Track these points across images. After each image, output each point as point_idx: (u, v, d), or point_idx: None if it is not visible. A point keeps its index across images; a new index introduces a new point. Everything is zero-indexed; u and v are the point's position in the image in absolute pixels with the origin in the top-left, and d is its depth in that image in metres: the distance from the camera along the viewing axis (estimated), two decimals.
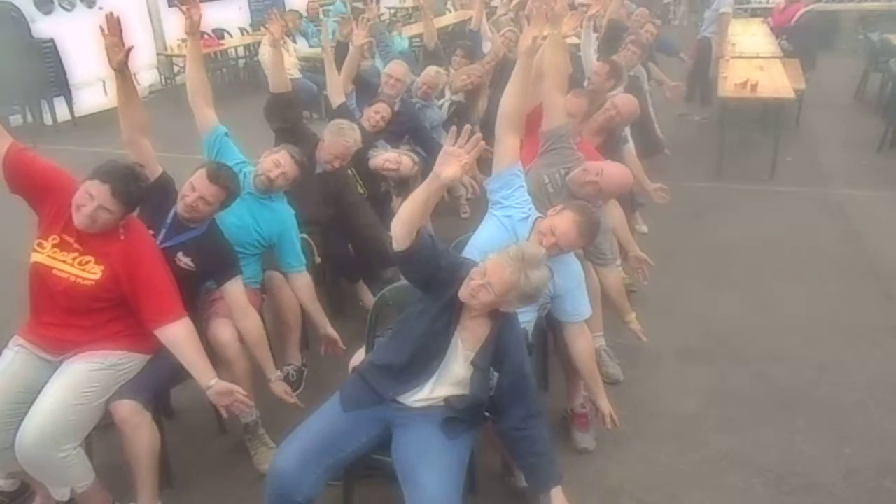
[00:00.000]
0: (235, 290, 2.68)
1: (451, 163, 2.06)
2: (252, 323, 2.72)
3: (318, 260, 3.41)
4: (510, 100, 2.66)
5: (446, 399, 2.21)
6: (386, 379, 2.23)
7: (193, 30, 3.06)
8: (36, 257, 2.30)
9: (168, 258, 2.52)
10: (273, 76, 3.71)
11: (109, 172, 2.25)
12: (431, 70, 4.84)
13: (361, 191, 3.79)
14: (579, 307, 2.68)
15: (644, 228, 4.70)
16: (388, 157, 3.77)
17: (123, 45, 2.48)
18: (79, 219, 2.24)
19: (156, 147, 2.68)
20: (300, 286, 3.09)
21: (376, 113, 4.08)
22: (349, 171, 3.69)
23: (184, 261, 2.59)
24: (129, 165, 2.36)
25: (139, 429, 2.31)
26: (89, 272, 2.28)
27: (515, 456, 2.34)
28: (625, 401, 3.06)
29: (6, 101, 7.54)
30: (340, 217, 3.53)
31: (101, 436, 2.42)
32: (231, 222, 2.84)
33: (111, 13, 2.50)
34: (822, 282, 4.20)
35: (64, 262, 2.28)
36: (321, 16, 9.76)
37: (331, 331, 3.09)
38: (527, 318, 2.56)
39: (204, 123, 3.05)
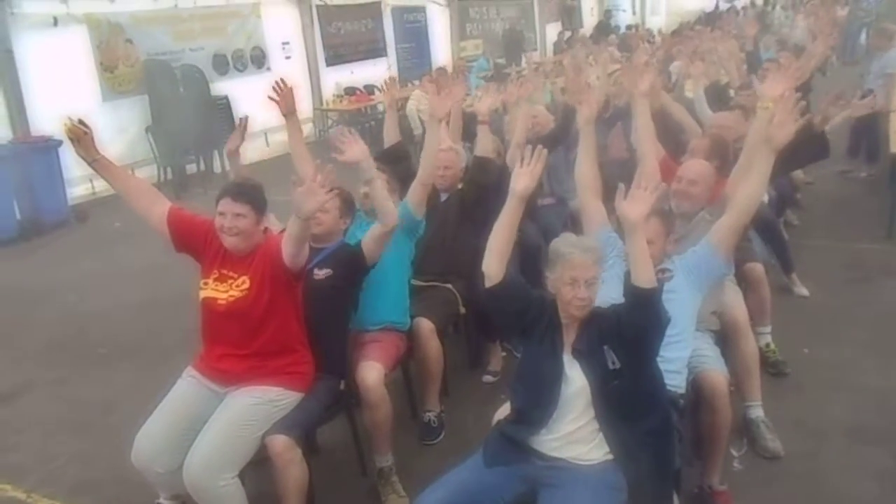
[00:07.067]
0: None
1: (522, 176, 2.21)
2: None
3: (463, 310, 3.44)
4: (584, 168, 2.86)
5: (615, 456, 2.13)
6: (520, 424, 2.21)
7: (290, 110, 3.32)
8: (203, 294, 2.58)
9: (308, 280, 2.66)
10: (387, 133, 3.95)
11: (224, 190, 2.55)
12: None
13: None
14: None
15: (804, 292, 4.33)
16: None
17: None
18: (226, 241, 2.50)
19: None
20: None
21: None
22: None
23: (321, 274, 2.73)
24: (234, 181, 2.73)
25: (291, 464, 2.42)
26: (242, 287, 2.52)
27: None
28: (787, 478, 2.80)
29: (185, 151, 8.39)
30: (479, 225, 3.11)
31: (252, 469, 2.54)
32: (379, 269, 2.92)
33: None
34: None
35: (224, 291, 2.54)
36: (466, 72, 10.15)
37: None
38: (675, 381, 2.43)
39: None
